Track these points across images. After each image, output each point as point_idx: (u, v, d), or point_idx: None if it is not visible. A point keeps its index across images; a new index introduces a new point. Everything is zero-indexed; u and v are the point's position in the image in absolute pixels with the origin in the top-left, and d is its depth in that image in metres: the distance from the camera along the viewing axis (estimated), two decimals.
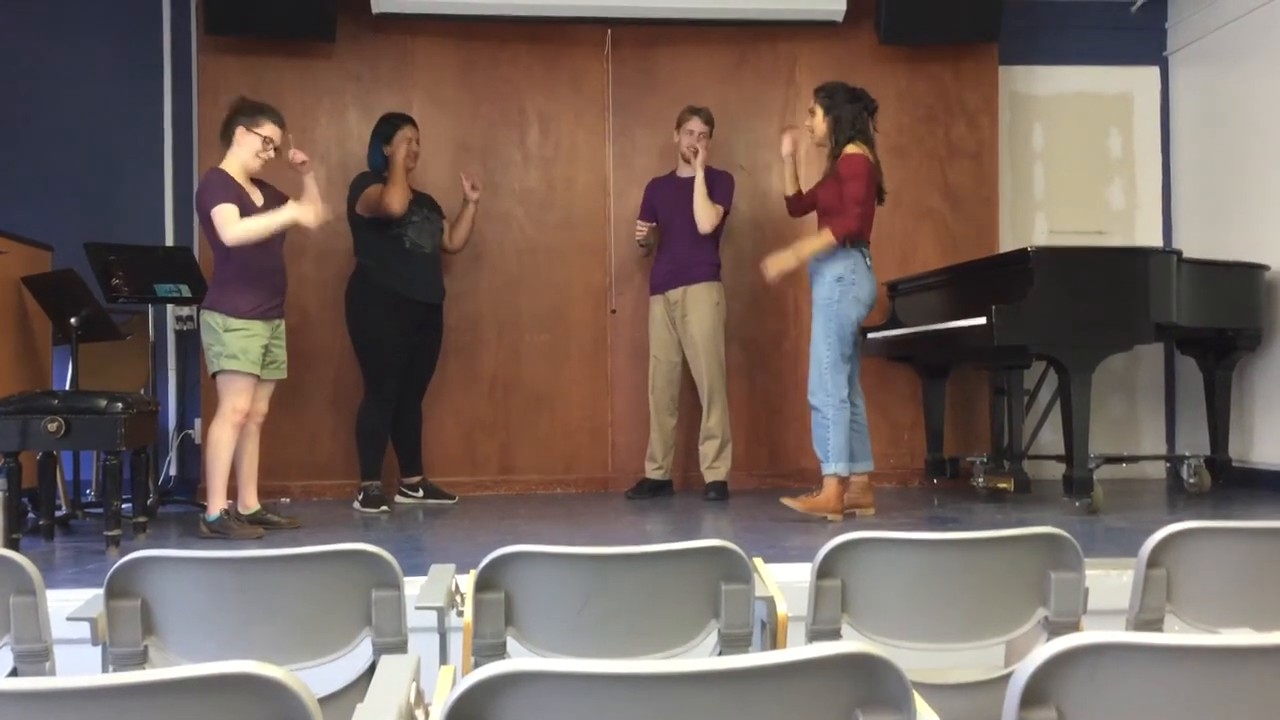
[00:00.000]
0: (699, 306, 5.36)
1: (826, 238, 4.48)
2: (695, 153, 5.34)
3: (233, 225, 4.16)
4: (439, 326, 5.36)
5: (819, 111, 4.60)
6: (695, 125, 5.38)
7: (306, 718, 1.10)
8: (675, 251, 5.41)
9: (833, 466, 4.50)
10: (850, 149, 4.50)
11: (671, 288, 5.42)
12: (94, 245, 4.90)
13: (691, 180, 5.41)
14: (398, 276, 5.08)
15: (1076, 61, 6.39)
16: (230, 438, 4.28)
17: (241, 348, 4.25)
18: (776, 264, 4.61)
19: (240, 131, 4.29)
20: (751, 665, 1.15)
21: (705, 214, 5.32)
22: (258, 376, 4.33)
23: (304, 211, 4.26)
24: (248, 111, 4.32)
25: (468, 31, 5.87)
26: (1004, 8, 5.87)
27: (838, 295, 4.49)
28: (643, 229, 5.53)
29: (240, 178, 4.30)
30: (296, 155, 4.40)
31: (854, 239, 4.49)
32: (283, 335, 4.48)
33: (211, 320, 4.27)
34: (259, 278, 4.32)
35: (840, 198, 4.47)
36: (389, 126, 5.16)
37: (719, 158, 5.79)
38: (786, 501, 4.55)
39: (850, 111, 4.55)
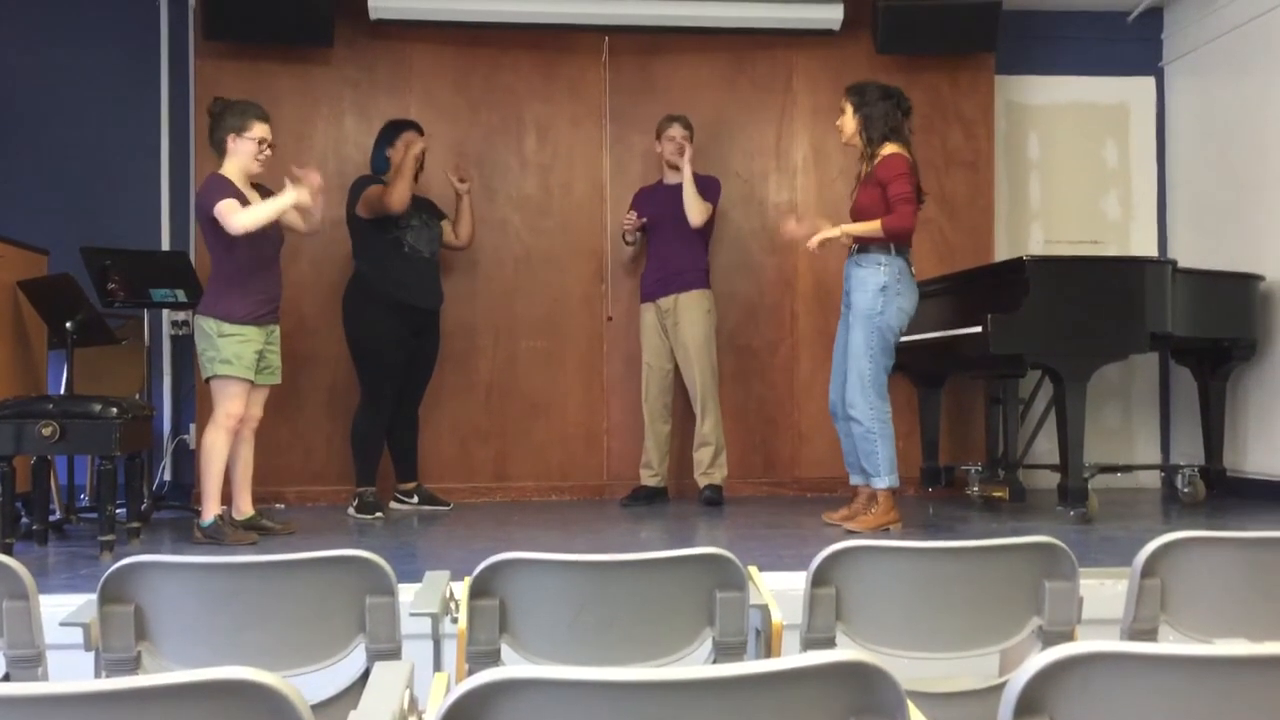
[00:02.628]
0: (690, 313, 5.37)
1: (875, 226, 4.31)
2: (681, 152, 5.37)
3: (236, 215, 4.15)
4: (436, 332, 5.35)
5: (848, 109, 4.50)
6: (675, 131, 5.42)
7: None
8: (665, 259, 5.41)
9: (885, 480, 4.40)
10: (889, 148, 4.41)
11: (662, 295, 5.42)
12: (90, 249, 4.89)
13: (679, 188, 5.43)
14: (395, 282, 5.08)
15: (1072, 72, 6.41)
16: (224, 443, 4.27)
17: (235, 353, 4.25)
18: (822, 235, 4.42)
19: (231, 139, 4.28)
20: (746, 673, 1.15)
21: (696, 207, 5.34)
22: (251, 382, 4.32)
23: (301, 191, 4.24)
24: (232, 118, 4.29)
25: (465, 38, 5.87)
26: (1000, 18, 5.89)
27: (880, 306, 4.36)
28: (631, 220, 5.49)
29: (239, 182, 4.30)
30: (313, 178, 4.34)
31: (905, 237, 4.36)
32: (277, 341, 4.47)
33: (206, 325, 4.26)
34: (254, 283, 4.32)
35: (883, 200, 4.34)
36: (393, 130, 5.18)
37: (715, 165, 5.80)
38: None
39: (882, 110, 4.44)
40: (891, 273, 4.37)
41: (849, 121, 4.51)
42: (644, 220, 5.47)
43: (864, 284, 4.39)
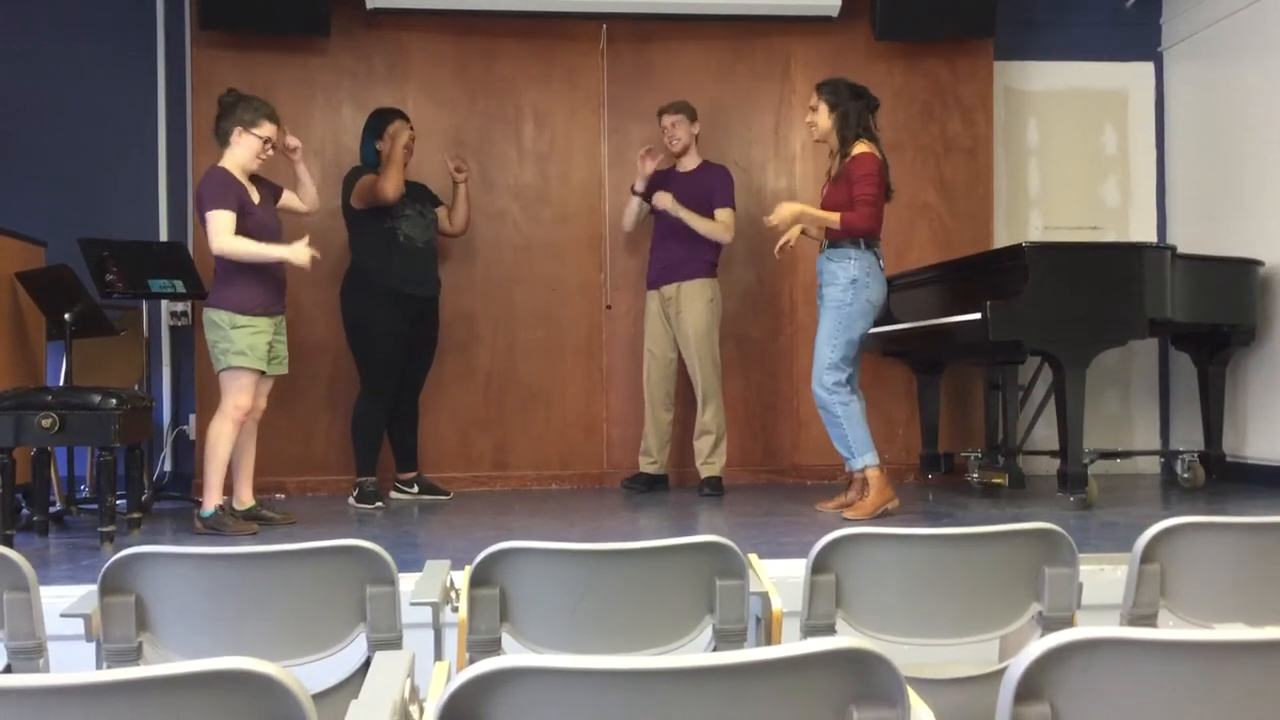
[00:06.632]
0: (693, 302, 5.36)
1: (834, 218, 4.43)
2: (676, 141, 5.39)
3: (224, 236, 4.16)
4: (435, 321, 5.35)
5: (823, 107, 4.54)
6: (666, 120, 5.42)
7: (301, 714, 1.10)
8: (671, 247, 5.40)
9: (861, 460, 4.46)
10: (860, 147, 4.47)
11: (666, 283, 5.42)
12: (88, 241, 4.88)
13: (689, 175, 5.44)
14: (391, 271, 5.07)
15: (1071, 57, 6.39)
16: (230, 434, 4.27)
17: (249, 344, 4.25)
18: (786, 210, 4.53)
19: (239, 132, 4.29)
20: (746, 661, 1.15)
21: (712, 231, 5.35)
22: (262, 373, 4.33)
23: (297, 253, 4.29)
24: (244, 112, 4.31)
25: (462, 26, 5.86)
26: (998, 3, 5.87)
27: (850, 298, 4.45)
28: (647, 162, 5.43)
29: (239, 175, 4.30)
30: (290, 140, 4.45)
31: (861, 236, 4.46)
32: (284, 331, 4.49)
33: (217, 317, 4.26)
34: (262, 274, 4.33)
35: (849, 198, 4.43)
36: (380, 121, 5.17)
37: (714, 153, 5.79)
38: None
39: (856, 108, 4.51)
40: (861, 266, 4.47)
41: (823, 119, 4.56)
42: (657, 163, 5.44)
43: (835, 277, 4.50)
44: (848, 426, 4.47)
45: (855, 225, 4.43)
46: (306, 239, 4.34)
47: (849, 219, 4.42)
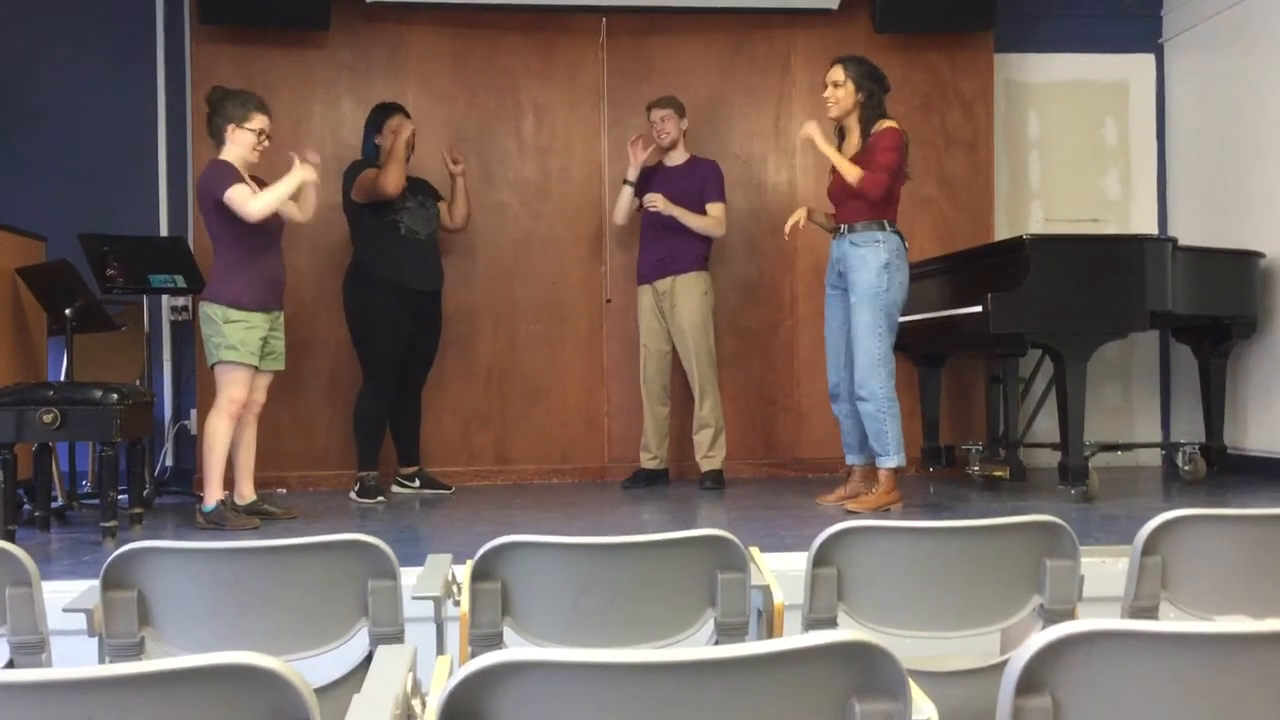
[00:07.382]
0: (687, 296, 5.35)
1: (855, 173, 4.32)
2: (665, 136, 5.37)
3: (250, 203, 4.17)
4: (438, 315, 5.34)
5: (849, 84, 4.44)
6: (655, 115, 5.40)
7: (303, 708, 1.10)
8: (662, 241, 5.39)
9: (893, 460, 4.39)
10: (888, 123, 4.41)
11: (659, 278, 5.40)
12: (88, 236, 4.89)
13: (678, 169, 5.43)
14: (394, 265, 5.07)
15: (1072, 49, 6.38)
16: (227, 428, 4.27)
17: (241, 339, 4.25)
18: (815, 130, 4.45)
19: (231, 129, 4.28)
20: (748, 654, 1.16)
21: (706, 227, 5.34)
22: (256, 368, 4.33)
23: (307, 169, 4.30)
24: (233, 107, 4.29)
25: (462, 20, 5.85)
26: None
27: (885, 284, 4.35)
28: (635, 152, 5.42)
29: (240, 169, 4.30)
30: (313, 157, 4.43)
31: (873, 200, 4.35)
32: (281, 327, 4.48)
33: (211, 311, 4.27)
34: (259, 268, 4.32)
35: (869, 166, 4.34)
36: (380, 115, 5.17)
37: (714, 147, 5.78)
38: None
39: (880, 89, 4.46)
40: (890, 249, 4.39)
41: (848, 96, 4.46)
42: (649, 152, 5.42)
43: (865, 263, 4.38)
44: (890, 423, 4.37)
45: (868, 186, 4.32)
46: (295, 158, 4.32)
47: (865, 180, 4.31)
